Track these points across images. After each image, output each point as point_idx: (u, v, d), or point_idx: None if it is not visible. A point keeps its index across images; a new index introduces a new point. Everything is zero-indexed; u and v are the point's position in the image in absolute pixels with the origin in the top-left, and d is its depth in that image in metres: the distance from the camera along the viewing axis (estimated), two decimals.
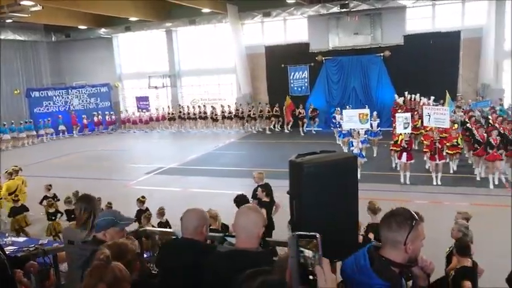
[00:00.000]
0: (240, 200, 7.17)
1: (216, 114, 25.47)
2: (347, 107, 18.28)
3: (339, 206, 3.60)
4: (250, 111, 24.24)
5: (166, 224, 8.25)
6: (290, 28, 24.51)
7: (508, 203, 10.11)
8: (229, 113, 24.99)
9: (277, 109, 23.61)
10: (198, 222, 3.08)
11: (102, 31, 27.55)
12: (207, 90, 27.43)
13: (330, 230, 3.56)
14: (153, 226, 7.71)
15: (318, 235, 1.68)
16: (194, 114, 26.08)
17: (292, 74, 24.35)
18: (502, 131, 12.89)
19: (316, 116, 22.62)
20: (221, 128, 25.32)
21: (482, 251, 6.86)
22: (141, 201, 8.98)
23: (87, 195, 4.14)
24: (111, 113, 28.07)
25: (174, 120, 26.84)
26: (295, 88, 24.39)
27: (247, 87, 25.00)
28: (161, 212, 8.45)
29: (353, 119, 13.61)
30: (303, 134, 22.12)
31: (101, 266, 2.23)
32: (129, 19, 24.95)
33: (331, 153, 3.88)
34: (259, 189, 8.09)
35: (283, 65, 24.21)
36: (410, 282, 2.55)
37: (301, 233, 1.72)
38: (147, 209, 8.72)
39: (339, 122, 17.77)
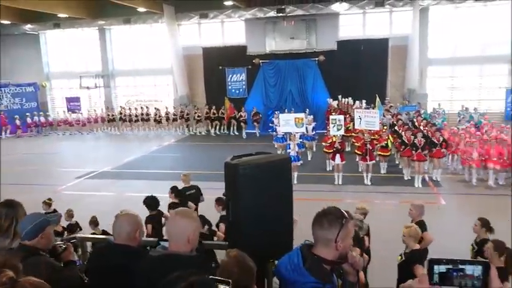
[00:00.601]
0: (150, 202, 7.18)
1: (159, 116, 24.91)
2: (285, 111, 18.60)
3: (274, 207, 3.65)
4: (195, 113, 23.96)
5: (76, 226, 8.30)
6: (227, 30, 24.55)
7: (432, 200, 10.84)
8: (174, 114, 24.54)
9: (223, 111, 23.51)
10: (130, 228, 2.96)
11: (28, 27, 25.85)
12: (142, 91, 26.76)
13: (265, 231, 3.62)
14: (63, 228, 7.83)
15: (230, 281, 1.91)
16: (136, 116, 25.29)
17: (230, 76, 24.39)
18: (426, 133, 13.81)
19: (259, 120, 22.83)
20: (164, 130, 24.80)
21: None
22: (47, 203, 8.74)
23: (10, 200, 3.85)
24: (47, 113, 26.74)
25: (114, 122, 25.86)
26: (233, 90, 24.44)
27: (184, 88, 24.69)
28: (70, 214, 8.46)
29: (289, 123, 13.84)
30: (244, 136, 22.27)
31: None
32: (58, 15, 23.69)
33: (266, 155, 3.94)
34: (169, 190, 8.16)
35: (220, 67, 24.19)
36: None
37: (215, 277, 1.96)
38: (54, 211, 8.50)
39: (276, 126, 18.01)
